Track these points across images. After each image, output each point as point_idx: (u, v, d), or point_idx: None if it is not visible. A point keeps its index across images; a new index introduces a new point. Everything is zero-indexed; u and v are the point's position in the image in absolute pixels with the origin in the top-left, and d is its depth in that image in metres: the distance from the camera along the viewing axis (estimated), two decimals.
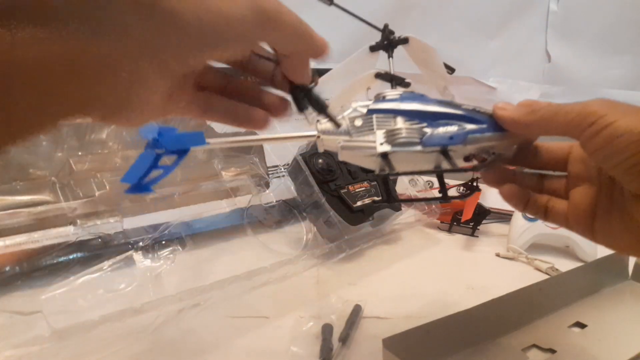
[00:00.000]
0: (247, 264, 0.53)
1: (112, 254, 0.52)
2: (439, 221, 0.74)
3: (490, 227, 0.73)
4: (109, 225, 0.56)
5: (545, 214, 0.32)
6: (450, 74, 0.30)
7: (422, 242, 0.69)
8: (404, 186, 0.78)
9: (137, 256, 0.53)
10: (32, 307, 0.44)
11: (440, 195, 0.33)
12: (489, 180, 0.33)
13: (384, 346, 0.37)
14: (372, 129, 0.29)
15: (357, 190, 0.64)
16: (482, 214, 0.71)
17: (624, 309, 0.47)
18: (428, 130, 0.29)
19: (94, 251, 0.54)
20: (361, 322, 0.46)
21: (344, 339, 0.42)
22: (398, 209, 0.70)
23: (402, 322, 0.43)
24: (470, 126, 0.29)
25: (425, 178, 0.86)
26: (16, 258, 0.52)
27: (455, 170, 0.30)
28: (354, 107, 0.30)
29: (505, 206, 0.74)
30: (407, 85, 0.32)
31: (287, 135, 0.31)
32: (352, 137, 0.30)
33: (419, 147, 0.28)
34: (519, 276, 0.57)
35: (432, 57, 0.39)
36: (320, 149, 0.31)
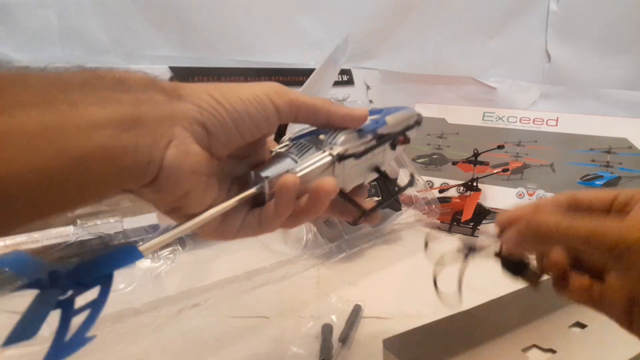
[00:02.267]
0: (247, 264, 0.53)
1: None
2: (439, 221, 0.74)
3: (490, 227, 0.73)
4: (109, 225, 0.56)
5: (598, 302, 0.29)
6: None
7: (422, 242, 0.69)
8: None
9: None
10: None
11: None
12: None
13: (384, 347, 0.37)
14: (310, 147, 0.29)
15: None
16: (482, 214, 0.71)
17: None
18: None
19: (94, 251, 0.54)
20: (361, 322, 0.46)
21: (344, 339, 0.42)
22: (398, 209, 0.70)
23: (402, 322, 0.43)
24: (376, 115, 0.33)
25: (425, 178, 0.86)
26: None
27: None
28: (276, 151, 0.30)
29: (505, 206, 0.75)
30: None
31: (229, 203, 0.27)
32: (299, 162, 0.28)
33: (359, 140, 0.30)
34: None
35: None
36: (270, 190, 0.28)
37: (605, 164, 0.78)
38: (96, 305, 0.21)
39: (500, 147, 0.77)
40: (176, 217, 0.27)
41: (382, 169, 0.33)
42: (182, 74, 0.69)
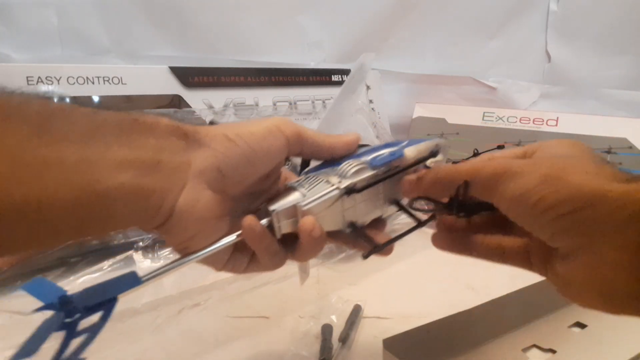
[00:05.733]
0: None
1: (112, 254, 0.52)
2: None
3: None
4: None
5: (502, 256, 0.30)
6: None
7: (422, 242, 0.69)
8: None
9: (137, 256, 0.53)
10: (32, 307, 0.44)
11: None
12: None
13: (384, 346, 0.37)
14: (321, 181, 0.29)
15: None
16: None
17: None
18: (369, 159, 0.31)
19: (94, 251, 0.54)
20: (361, 322, 0.46)
21: (344, 339, 0.42)
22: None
23: (402, 322, 0.43)
24: (395, 147, 0.31)
25: None
26: (16, 258, 0.52)
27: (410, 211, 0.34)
28: (289, 184, 0.30)
29: None
30: None
31: (228, 240, 0.28)
32: (307, 195, 0.28)
33: (370, 172, 0.30)
34: (519, 276, 0.56)
35: None
36: (284, 231, 0.28)
37: None
38: (95, 329, 0.22)
39: (500, 147, 0.76)
40: (185, 253, 0.28)
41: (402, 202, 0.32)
42: (182, 74, 0.69)
